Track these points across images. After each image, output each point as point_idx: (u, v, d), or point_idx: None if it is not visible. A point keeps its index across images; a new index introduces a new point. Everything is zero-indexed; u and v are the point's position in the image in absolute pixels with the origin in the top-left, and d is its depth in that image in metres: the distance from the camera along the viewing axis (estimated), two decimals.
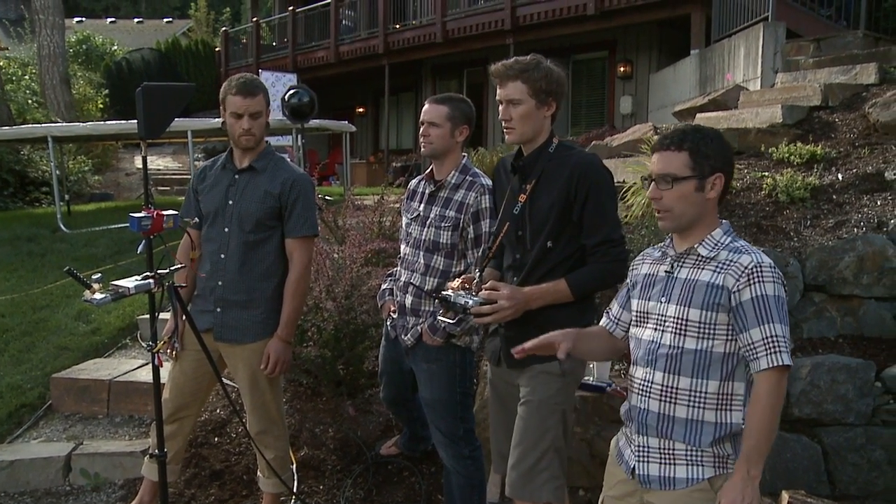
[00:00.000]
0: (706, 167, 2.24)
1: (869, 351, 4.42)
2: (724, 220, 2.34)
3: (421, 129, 3.36)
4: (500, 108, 2.87)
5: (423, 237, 3.37)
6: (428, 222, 3.36)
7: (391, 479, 4.15)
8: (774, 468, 4.10)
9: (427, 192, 3.42)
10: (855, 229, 4.75)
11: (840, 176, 5.39)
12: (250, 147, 3.41)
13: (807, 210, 5.07)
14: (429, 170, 3.48)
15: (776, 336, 2.11)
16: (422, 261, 3.38)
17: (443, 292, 2.82)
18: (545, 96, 2.81)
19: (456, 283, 2.83)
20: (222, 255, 3.38)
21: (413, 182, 3.63)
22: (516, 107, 2.80)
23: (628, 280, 2.52)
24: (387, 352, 3.77)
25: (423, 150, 3.34)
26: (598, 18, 12.82)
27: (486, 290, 2.72)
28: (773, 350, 2.10)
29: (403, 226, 3.56)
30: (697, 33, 11.34)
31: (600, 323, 2.61)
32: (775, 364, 2.09)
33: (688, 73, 11.29)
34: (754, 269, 2.15)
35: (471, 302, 2.70)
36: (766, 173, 5.54)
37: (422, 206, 3.42)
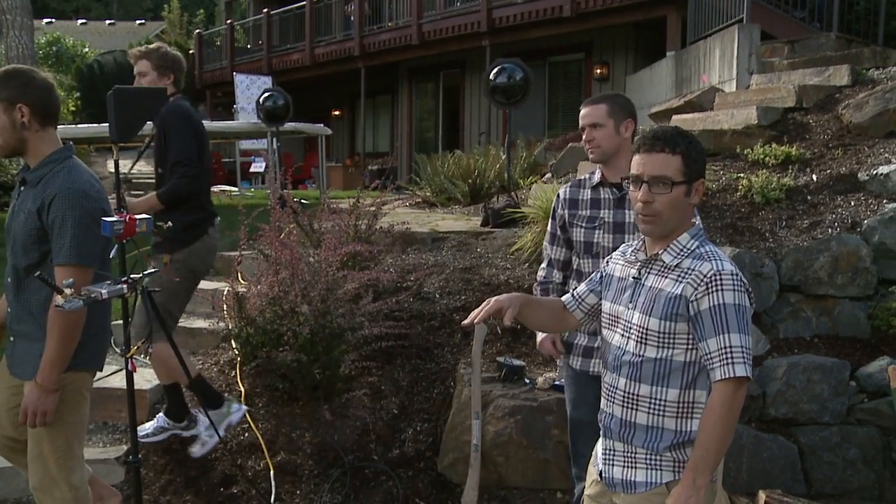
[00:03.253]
0: (694, 172, 2.22)
1: (844, 350, 4.45)
2: (696, 221, 2.33)
3: (584, 136, 3.19)
4: None
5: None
6: (627, 228, 3.14)
7: (368, 484, 4.13)
8: (751, 468, 4.12)
9: (611, 197, 3.18)
10: (829, 230, 4.79)
11: (814, 177, 5.43)
12: (4, 155, 2.98)
13: (782, 211, 5.10)
14: (597, 175, 3.24)
15: (731, 347, 2.08)
16: None
17: None
18: (164, 70, 4.07)
19: None
20: (9, 279, 2.99)
21: (568, 190, 3.31)
22: None
23: (601, 270, 2.52)
24: (573, 391, 3.32)
25: (591, 156, 3.19)
26: (574, 20, 12.85)
27: None
28: (727, 361, 2.08)
29: (580, 238, 3.24)
30: (673, 35, 11.40)
31: (563, 298, 2.61)
32: (728, 376, 2.07)
33: (664, 74, 11.34)
34: (713, 278, 2.13)
35: None
36: (742, 174, 5.57)
37: (608, 212, 3.18)
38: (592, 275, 2.59)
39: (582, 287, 2.57)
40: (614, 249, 2.97)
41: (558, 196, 3.35)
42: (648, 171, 2.22)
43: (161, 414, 4.23)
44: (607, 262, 2.51)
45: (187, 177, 3.81)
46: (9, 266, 2.97)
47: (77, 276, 2.74)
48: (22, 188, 2.94)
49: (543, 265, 3.44)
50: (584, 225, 3.22)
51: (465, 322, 2.41)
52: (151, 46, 4.15)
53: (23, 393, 2.89)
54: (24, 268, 2.89)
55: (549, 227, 3.40)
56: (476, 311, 2.37)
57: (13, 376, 2.98)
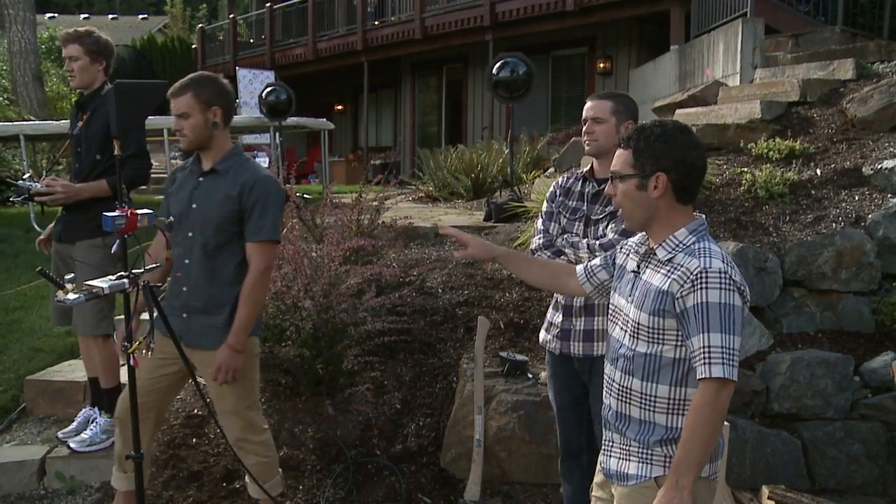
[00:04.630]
0: (647, 166, 2.21)
1: (848, 345, 4.44)
2: (699, 215, 2.30)
3: (584, 127, 3.21)
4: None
5: (596, 236, 3.15)
6: (594, 222, 3.18)
7: (371, 479, 4.13)
8: (755, 463, 4.11)
9: (590, 192, 3.22)
10: (833, 224, 4.77)
11: (818, 171, 5.41)
12: (192, 148, 3.33)
13: (786, 205, 5.09)
14: (588, 168, 3.29)
15: (711, 346, 2.05)
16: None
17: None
18: (97, 56, 3.99)
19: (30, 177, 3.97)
20: (187, 261, 3.32)
21: (563, 180, 3.37)
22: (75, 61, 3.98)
23: (616, 253, 2.52)
24: (557, 381, 3.30)
25: (587, 148, 3.22)
26: (577, 14, 12.83)
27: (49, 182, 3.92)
28: (706, 361, 2.05)
29: (563, 224, 3.27)
30: (677, 29, 11.37)
31: (576, 267, 2.67)
32: (705, 375, 2.05)
33: (667, 68, 11.32)
34: (699, 275, 2.10)
35: (34, 186, 3.90)
36: (746, 169, 5.55)
37: (585, 205, 3.23)
38: (609, 251, 2.61)
39: (596, 261, 2.59)
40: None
41: (557, 182, 3.41)
42: (611, 166, 2.35)
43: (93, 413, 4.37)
44: (621, 246, 2.50)
45: (144, 169, 3.97)
46: (195, 248, 3.29)
47: (273, 251, 3.34)
48: (201, 178, 3.31)
49: (539, 237, 3.34)
50: (567, 215, 3.28)
51: (442, 231, 2.77)
52: (82, 30, 4.06)
53: (169, 365, 3.31)
54: (215, 246, 3.27)
55: (544, 208, 3.39)
56: (451, 229, 2.76)
57: (190, 348, 3.25)
